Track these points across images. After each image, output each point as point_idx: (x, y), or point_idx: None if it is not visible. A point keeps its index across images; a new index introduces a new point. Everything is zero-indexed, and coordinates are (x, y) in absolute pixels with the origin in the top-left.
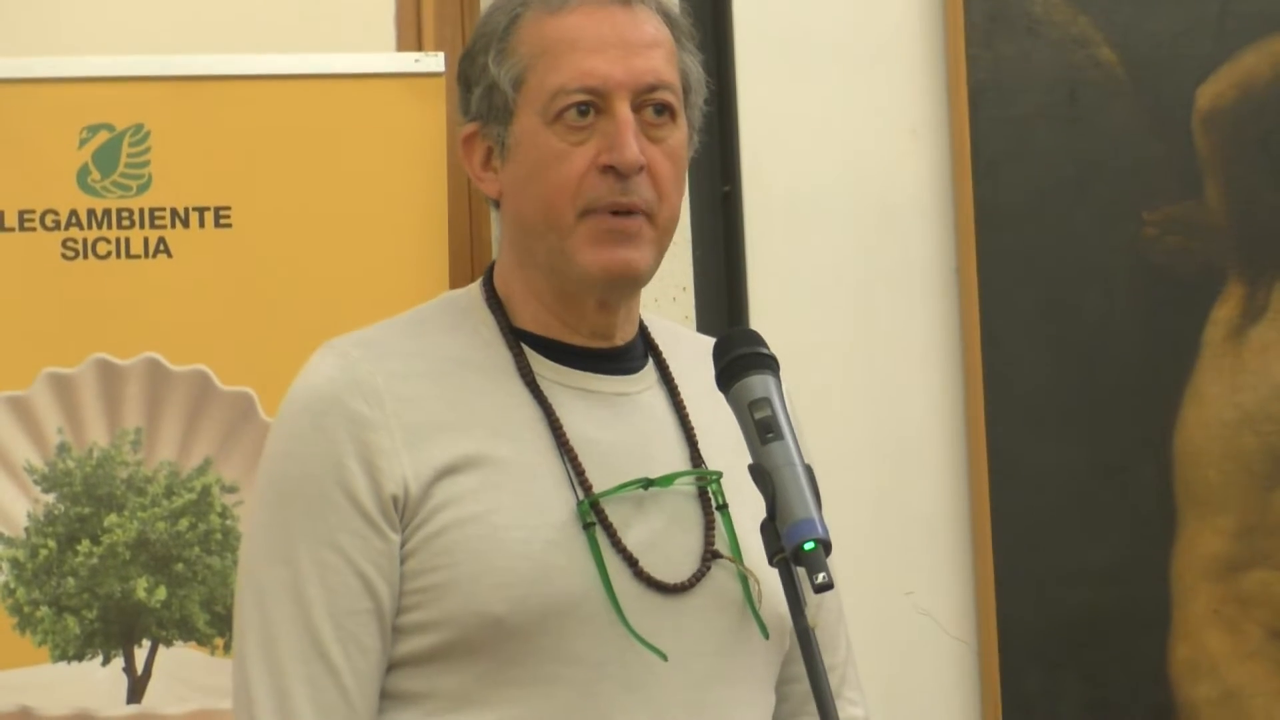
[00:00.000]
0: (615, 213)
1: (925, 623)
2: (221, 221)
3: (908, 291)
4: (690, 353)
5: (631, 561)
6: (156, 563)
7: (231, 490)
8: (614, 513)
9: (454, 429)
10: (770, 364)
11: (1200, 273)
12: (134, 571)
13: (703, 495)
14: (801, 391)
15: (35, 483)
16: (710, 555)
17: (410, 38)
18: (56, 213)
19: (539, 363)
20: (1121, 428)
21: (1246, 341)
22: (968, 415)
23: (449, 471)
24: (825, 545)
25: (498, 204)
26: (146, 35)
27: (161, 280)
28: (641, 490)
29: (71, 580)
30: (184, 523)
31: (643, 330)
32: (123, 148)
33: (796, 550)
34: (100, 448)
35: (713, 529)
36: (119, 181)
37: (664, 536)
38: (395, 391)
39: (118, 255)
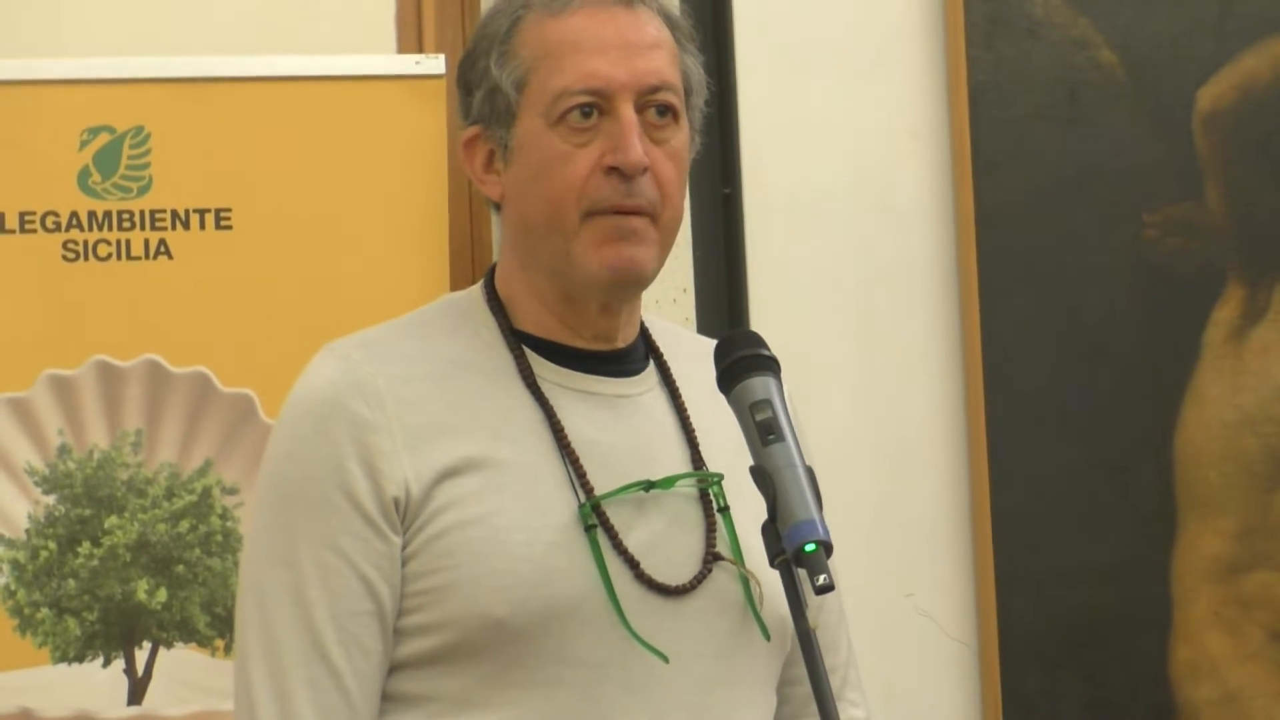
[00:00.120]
0: (619, 212)
1: (926, 624)
2: (222, 223)
3: (908, 293)
4: (691, 354)
5: (633, 564)
6: (157, 564)
7: (232, 492)
8: (615, 515)
9: (455, 431)
10: (771, 365)
11: (1201, 274)
12: (134, 573)
13: (704, 497)
14: (802, 393)
15: (36, 484)
16: (711, 557)
17: (411, 40)
18: (57, 214)
19: (540, 365)
20: (1122, 429)
21: (1247, 343)
22: (968, 416)
23: (450, 474)
24: (826, 547)
25: (498, 207)
26: (147, 37)
27: (162, 282)
28: (642, 492)
29: (72, 582)
30: (184, 524)
31: (644, 332)
32: (123, 150)
33: (797, 552)
34: (101, 449)
35: (714, 531)
36: (119, 183)
37: (665, 538)
38: (396, 394)
39: (118, 257)
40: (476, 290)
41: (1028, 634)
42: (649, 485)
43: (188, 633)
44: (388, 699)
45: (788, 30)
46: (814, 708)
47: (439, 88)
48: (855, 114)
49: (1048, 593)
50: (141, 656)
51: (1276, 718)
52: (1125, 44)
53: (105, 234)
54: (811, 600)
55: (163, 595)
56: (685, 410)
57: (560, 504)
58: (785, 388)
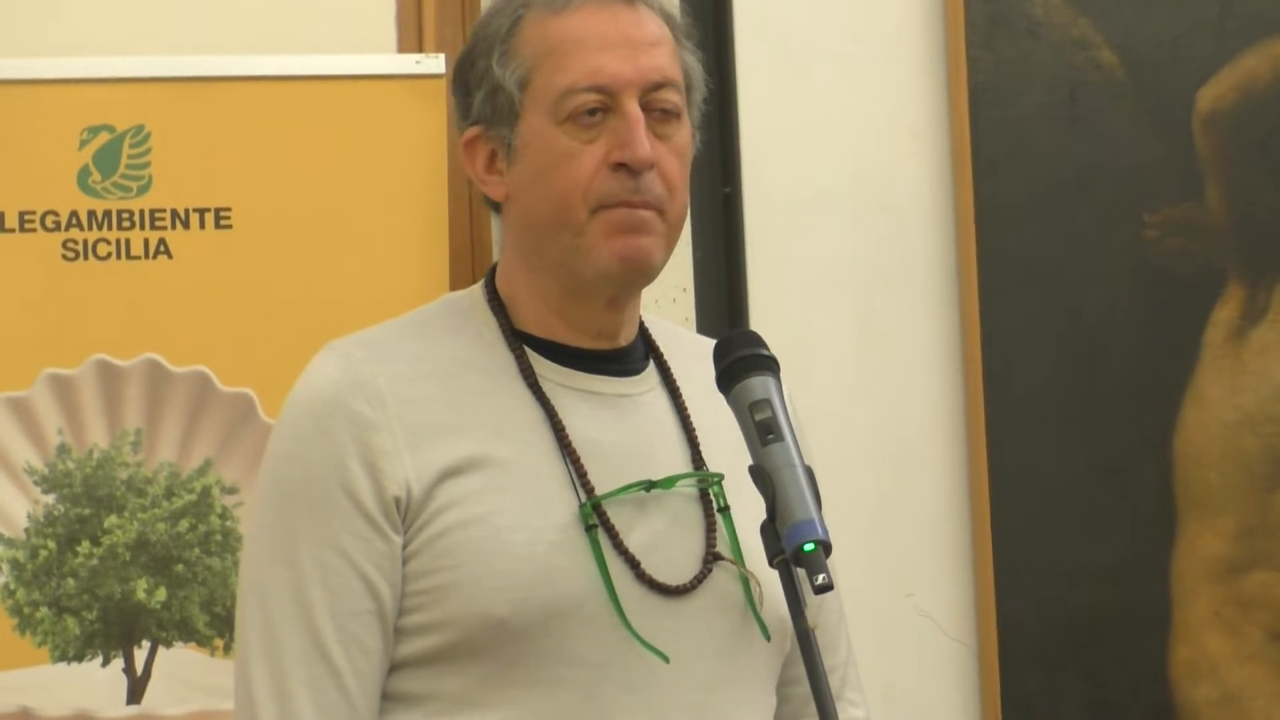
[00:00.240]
0: (627, 210)
1: (925, 624)
2: (222, 223)
3: (908, 293)
4: (690, 354)
5: (633, 563)
6: (156, 564)
7: (232, 491)
8: (616, 514)
9: (456, 430)
10: (771, 365)
11: (1201, 274)
12: (134, 572)
13: (704, 497)
14: (802, 393)
15: (35, 483)
16: (712, 557)
17: (411, 39)
18: (57, 214)
19: (541, 364)
20: (1122, 429)
21: (1247, 343)
22: (968, 416)
23: (452, 473)
24: (825, 546)
25: (498, 208)
26: (147, 36)
27: (162, 281)
28: (643, 492)
29: (71, 581)
30: (184, 524)
31: (643, 332)
32: (123, 149)
33: (796, 551)
34: (100, 449)
35: (714, 531)
36: (119, 183)
37: (665, 538)
38: (398, 393)
39: (118, 256)
40: (477, 290)
41: (1027, 634)
42: (649, 485)
43: (187, 632)
44: (388, 698)
45: (788, 30)
46: (813, 708)
47: (439, 87)
48: (855, 114)
49: (1047, 593)
50: (141, 656)
51: (1276, 718)
52: (1125, 44)
53: (105, 233)
54: (811, 600)
55: (162, 594)
56: (685, 410)
57: (561, 504)
58: (785, 387)
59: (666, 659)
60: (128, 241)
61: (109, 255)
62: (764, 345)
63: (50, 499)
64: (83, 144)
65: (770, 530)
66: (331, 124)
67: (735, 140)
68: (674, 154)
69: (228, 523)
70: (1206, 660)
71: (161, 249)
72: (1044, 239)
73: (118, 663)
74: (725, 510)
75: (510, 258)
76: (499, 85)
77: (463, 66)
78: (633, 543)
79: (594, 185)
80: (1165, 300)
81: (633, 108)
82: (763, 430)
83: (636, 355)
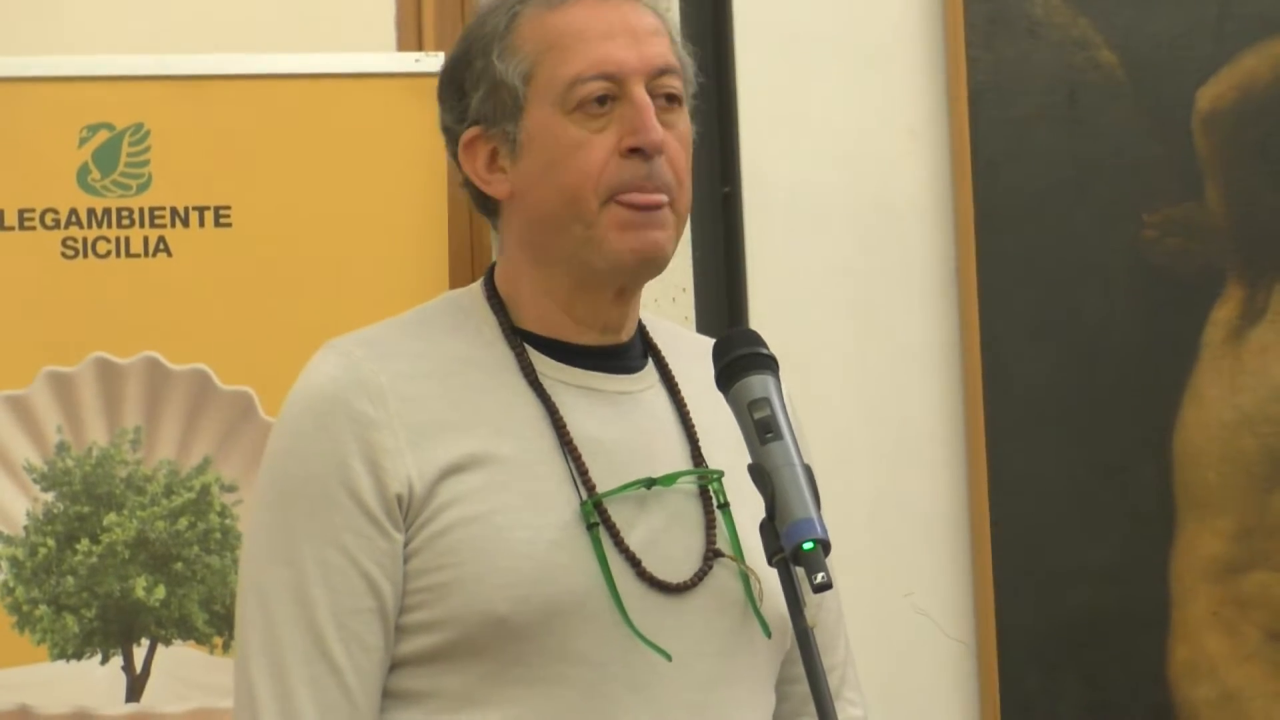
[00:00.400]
0: (640, 195)
1: (924, 623)
2: (221, 221)
3: (907, 292)
4: (689, 352)
5: (634, 561)
6: (155, 562)
7: (231, 489)
8: (616, 512)
9: (458, 428)
10: (770, 364)
11: (1200, 274)
12: (133, 570)
13: (703, 494)
14: (801, 392)
15: (34, 481)
16: (712, 554)
17: (410, 38)
18: (56, 212)
19: (541, 361)
20: (1121, 429)
21: (1246, 343)
22: (967, 415)
23: (453, 470)
24: (824, 545)
25: (493, 213)
26: (146, 34)
27: (161, 279)
28: (644, 489)
29: (70, 579)
30: (183, 522)
31: (641, 330)
32: (123, 147)
33: (795, 550)
34: (100, 447)
35: (714, 528)
36: (119, 181)
37: (665, 535)
38: (399, 391)
39: (117, 254)
40: (476, 288)
41: (1026, 633)
42: (650, 482)
43: (186, 630)
44: (389, 696)
45: (787, 29)
46: (812, 707)
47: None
48: (855, 113)
49: (1046, 592)
50: (140, 654)
51: (1275, 718)
52: (1125, 44)
53: (104, 231)
54: (810, 598)
55: (161, 592)
56: (685, 407)
57: (562, 501)
58: (785, 387)
59: (669, 657)
60: (127, 239)
61: (108, 253)
62: (763, 344)
63: (49, 497)
64: (82, 142)
65: (769, 529)
66: (331, 122)
67: (735, 139)
68: (679, 142)
69: (227, 521)
70: (1205, 660)
71: (161, 247)
72: (1043, 238)
73: (117, 660)
74: (725, 507)
75: (513, 255)
76: (500, 81)
77: (456, 69)
78: (633, 540)
79: (606, 173)
80: (1164, 300)
81: (641, 93)
82: (762, 429)
83: (635, 353)
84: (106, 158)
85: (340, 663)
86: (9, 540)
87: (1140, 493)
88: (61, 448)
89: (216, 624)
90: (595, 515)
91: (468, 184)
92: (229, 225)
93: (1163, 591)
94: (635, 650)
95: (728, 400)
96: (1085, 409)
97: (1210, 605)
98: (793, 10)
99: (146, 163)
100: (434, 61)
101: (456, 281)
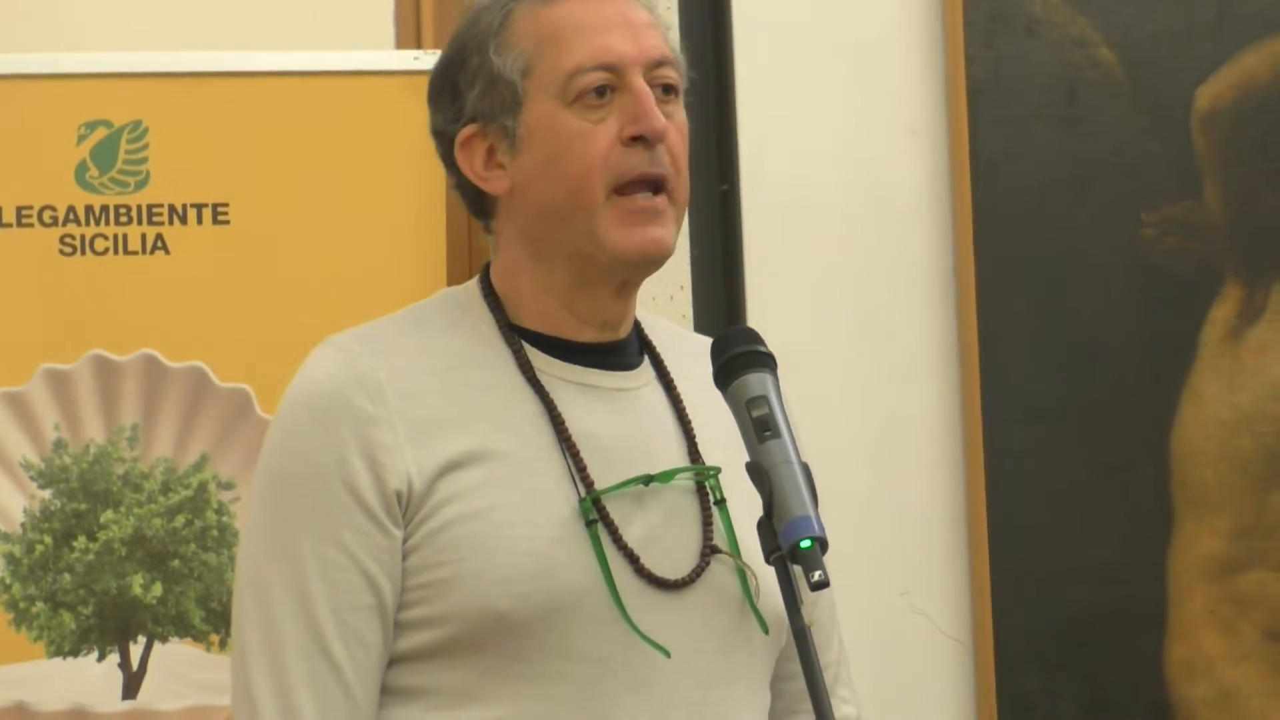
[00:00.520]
0: (643, 189)
1: (921, 622)
2: (219, 218)
3: (905, 290)
4: (684, 350)
5: (633, 558)
6: (152, 559)
7: (228, 487)
8: (614, 509)
9: (456, 424)
10: (768, 362)
11: (1198, 273)
12: (130, 568)
13: (700, 491)
14: (799, 389)
15: (32, 478)
16: (709, 551)
17: (409, 35)
18: (54, 209)
19: (539, 358)
20: (1119, 427)
21: (1244, 342)
22: (964, 414)
23: (452, 467)
24: (822, 543)
25: (488, 213)
26: (145, 32)
27: (159, 277)
28: (641, 486)
29: (67, 576)
30: (180, 519)
31: (637, 328)
32: (121, 144)
33: (793, 548)
34: (97, 444)
35: (711, 524)
36: (117, 178)
37: (663, 532)
38: (398, 387)
39: (115, 252)
40: (473, 285)
41: (1023, 632)
42: (648, 479)
43: (183, 627)
44: (387, 692)
45: (786, 27)
46: (807, 704)
47: None
48: (853, 111)
49: (1043, 591)
50: (136, 651)
51: (1272, 716)
52: (1124, 43)
53: (102, 228)
54: (806, 596)
55: (158, 590)
56: (682, 403)
57: (560, 498)
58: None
59: (668, 654)
60: (125, 237)
61: (106, 250)
62: (761, 342)
63: (47, 494)
64: (80, 139)
65: (767, 527)
66: (329, 120)
67: (733, 137)
68: (677, 132)
69: (224, 518)
70: (1202, 658)
71: (159, 244)
72: (1042, 237)
73: (113, 658)
74: (722, 503)
75: (512, 252)
76: (498, 76)
77: (449, 68)
78: (631, 537)
79: (609, 162)
80: (1163, 299)
81: (640, 83)
82: (760, 427)
83: (632, 350)
84: (104, 155)
85: (339, 659)
86: (6, 537)
87: (1138, 491)
88: (59, 445)
89: (213, 621)
90: (594, 512)
91: (461, 185)
92: (227, 223)
93: (1160, 590)
94: (634, 647)
95: (725, 398)
96: (1083, 407)
97: (1207, 604)
98: (791, 8)
99: (145, 160)
100: (432, 59)
101: (454, 278)
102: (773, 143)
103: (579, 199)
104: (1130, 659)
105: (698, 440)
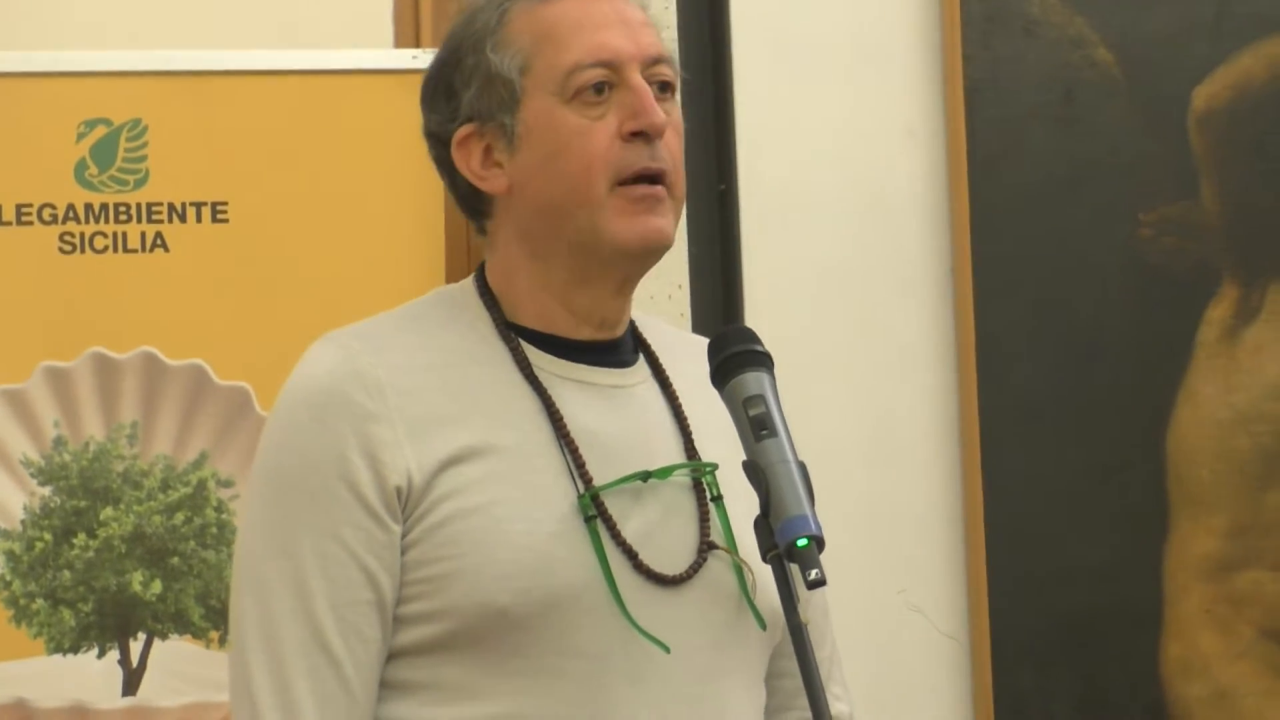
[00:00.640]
0: (643, 181)
1: (917, 620)
2: (218, 216)
3: (903, 290)
4: (678, 349)
5: (631, 554)
6: (152, 556)
7: (227, 484)
8: (613, 505)
9: (455, 421)
10: (765, 361)
11: (1195, 273)
12: (130, 565)
13: (697, 487)
14: (796, 389)
15: (32, 476)
16: (706, 546)
17: (408, 34)
18: (54, 207)
19: (536, 355)
20: (1115, 427)
21: (1240, 342)
22: (961, 413)
23: (452, 462)
24: (818, 541)
25: (483, 213)
26: (144, 30)
27: (158, 274)
28: (639, 482)
29: (67, 573)
30: (180, 516)
31: (631, 326)
32: (120, 142)
33: (790, 546)
34: (97, 441)
35: (707, 520)
36: (116, 176)
37: (660, 528)
38: (397, 384)
39: (115, 249)
40: (468, 284)
41: (1019, 630)
42: (646, 475)
43: (182, 624)
44: (386, 686)
45: (784, 27)
46: (800, 701)
47: None
48: (851, 111)
49: (1040, 589)
50: (136, 648)
51: (1267, 715)
52: (1121, 43)
53: (102, 226)
54: (801, 594)
55: (157, 587)
56: (678, 401)
57: (559, 494)
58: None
59: (667, 649)
60: (124, 235)
61: (106, 248)
62: (758, 341)
63: (46, 491)
64: (80, 137)
65: (764, 525)
66: (328, 118)
67: (731, 137)
68: (674, 130)
69: (223, 516)
70: (1198, 657)
71: (158, 242)
72: (1039, 237)
73: (113, 654)
74: (718, 500)
75: (509, 251)
76: (495, 74)
77: (444, 69)
78: (629, 533)
79: (609, 158)
80: (1159, 299)
81: (639, 79)
82: (756, 426)
83: (628, 348)
84: (104, 153)
85: (339, 654)
86: (6, 534)
87: (1134, 490)
88: (59, 442)
89: (213, 618)
90: (593, 508)
91: (455, 185)
92: (226, 221)
93: (1156, 589)
94: (633, 642)
95: (723, 397)
96: (1080, 407)
97: (1204, 603)
98: (789, 8)
99: (144, 158)
100: (430, 58)
101: (452, 276)
102: (770, 142)
103: (580, 194)
104: (1126, 657)
105: (694, 437)
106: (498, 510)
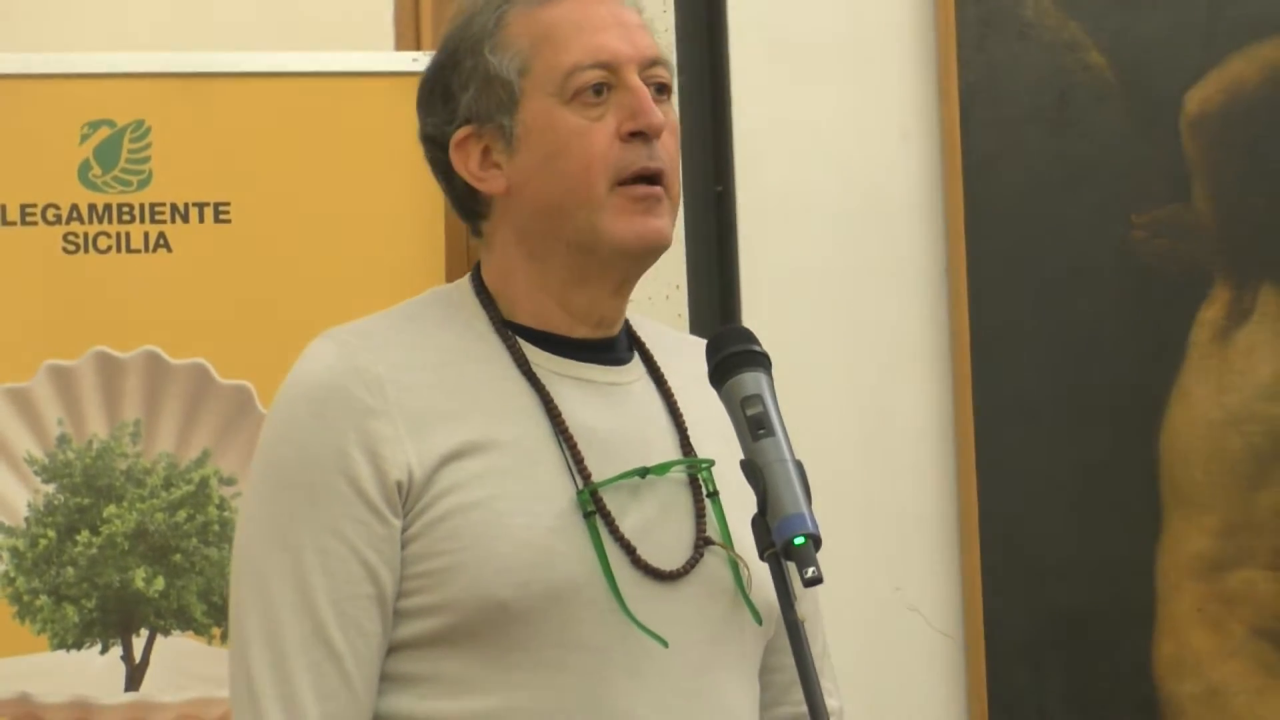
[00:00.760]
0: (642, 181)
1: (912, 617)
2: (220, 217)
3: (898, 291)
4: (672, 348)
5: (629, 549)
6: (154, 553)
7: (229, 482)
8: (611, 500)
9: (455, 417)
10: (762, 361)
11: (1187, 274)
12: (132, 562)
13: (693, 483)
14: (792, 389)
15: (35, 473)
16: (702, 542)
17: (408, 37)
18: (58, 207)
19: (533, 353)
20: (1108, 426)
21: (1232, 343)
22: (957, 413)
23: (452, 457)
24: (815, 540)
25: (479, 215)
26: (148, 32)
27: (161, 274)
28: (637, 478)
29: (71, 570)
30: (182, 514)
31: (625, 325)
32: (123, 143)
33: (787, 545)
34: (100, 439)
35: (703, 516)
36: (120, 177)
37: (657, 524)
38: (396, 380)
39: (118, 249)
40: (464, 283)
41: (1013, 628)
42: (644, 472)
43: (184, 621)
44: (386, 679)
45: (781, 30)
46: (791, 696)
47: None
48: (847, 113)
49: (1033, 588)
50: (139, 644)
51: (1258, 713)
52: (1115, 47)
53: (105, 227)
54: (797, 591)
55: (160, 584)
56: (673, 398)
57: (558, 489)
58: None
59: (666, 644)
60: (127, 235)
61: (109, 248)
62: (756, 341)
63: (50, 488)
64: (84, 138)
65: (761, 524)
66: (329, 120)
67: (728, 138)
68: (670, 131)
69: (225, 513)
70: (1190, 655)
71: (161, 242)
72: (1033, 238)
73: (116, 650)
74: (714, 496)
75: (506, 251)
76: (494, 76)
77: (441, 72)
78: (627, 528)
79: (609, 158)
80: (1152, 300)
81: (637, 80)
82: (754, 425)
83: (623, 346)
84: (108, 154)
85: (340, 648)
86: (10, 531)
87: (1127, 490)
88: (62, 440)
89: (214, 615)
90: (592, 503)
91: (451, 187)
92: (228, 221)
93: (1149, 588)
94: (632, 636)
95: (721, 397)
96: (1074, 407)
97: (1196, 602)
98: (786, 11)
99: (147, 159)
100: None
101: (453, 277)
102: (767, 144)
103: (580, 194)
104: (1119, 655)
105: (689, 434)
106: (498, 505)
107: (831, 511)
